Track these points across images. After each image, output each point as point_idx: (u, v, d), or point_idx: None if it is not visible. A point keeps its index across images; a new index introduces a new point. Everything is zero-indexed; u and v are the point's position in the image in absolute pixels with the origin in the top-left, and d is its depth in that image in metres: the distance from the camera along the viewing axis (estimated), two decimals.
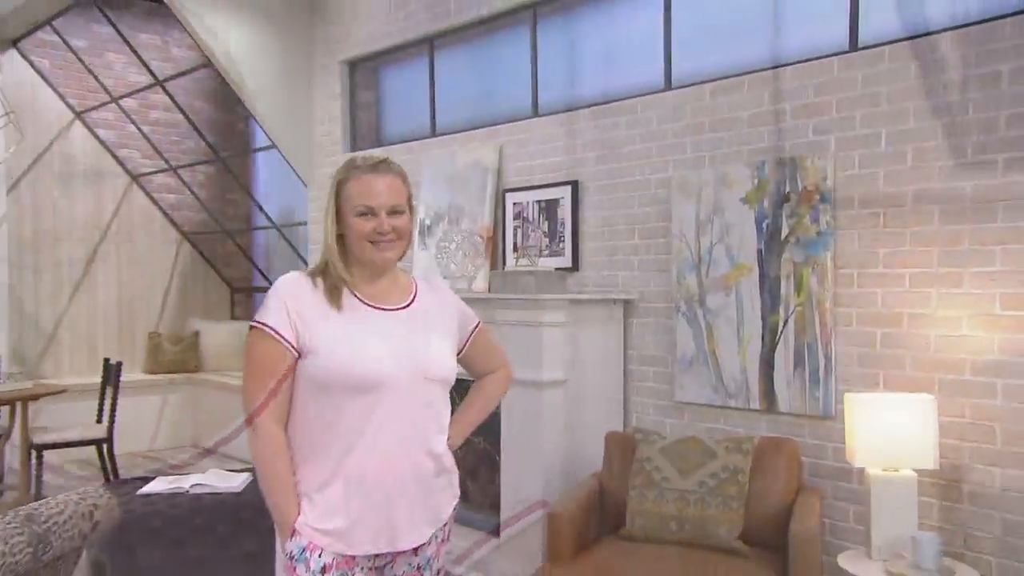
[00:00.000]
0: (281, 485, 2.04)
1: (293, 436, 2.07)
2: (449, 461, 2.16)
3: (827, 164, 3.67)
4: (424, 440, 2.09)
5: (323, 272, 2.09)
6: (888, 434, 3.16)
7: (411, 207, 2.14)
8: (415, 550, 2.12)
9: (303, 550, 1.99)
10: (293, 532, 2.01)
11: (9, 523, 2.35)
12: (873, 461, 3.20)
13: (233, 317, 9.15)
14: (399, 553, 2.10)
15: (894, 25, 3.60)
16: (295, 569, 2.01)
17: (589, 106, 4.77)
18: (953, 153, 3.34)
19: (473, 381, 2.42)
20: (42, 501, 2.53)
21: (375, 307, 2.10)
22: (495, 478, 4.50)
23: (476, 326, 2.31)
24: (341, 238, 2.09)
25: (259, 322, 2.04)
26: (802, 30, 3.97)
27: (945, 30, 3.39)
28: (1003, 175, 3.21)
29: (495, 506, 4.43)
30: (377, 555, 2.08)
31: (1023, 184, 3.17)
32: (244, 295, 9.16)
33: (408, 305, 2.15)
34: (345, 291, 2.09)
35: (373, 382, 2.00)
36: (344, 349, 2.01)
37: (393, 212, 2.06)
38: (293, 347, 2.02)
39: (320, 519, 2.01)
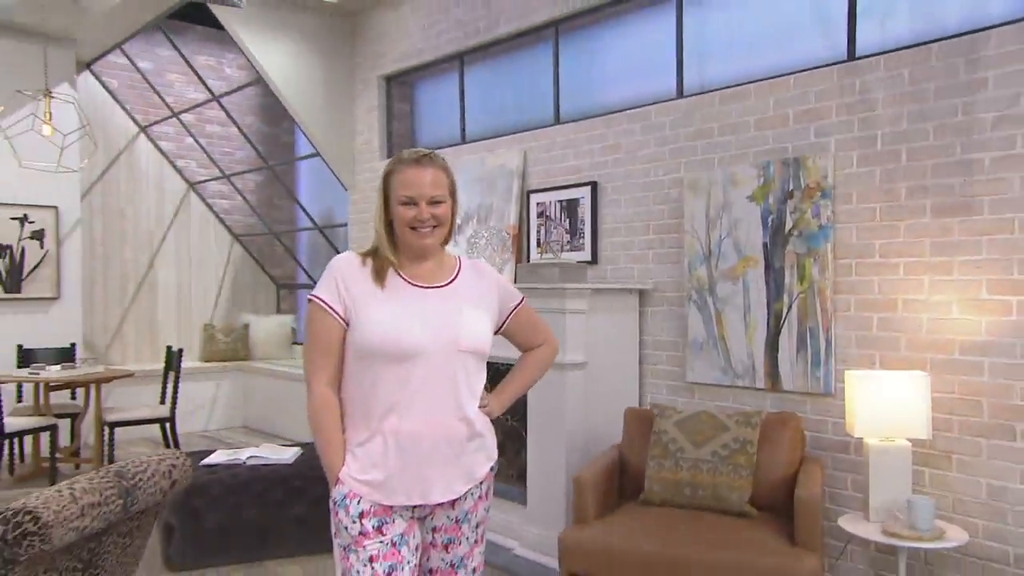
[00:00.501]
0: (327, 437, 2.09)
1: (343, 398, 2.11)
2: (482, 425, 2.15)
3: (827, 163, 3.67)
4: (457, 406, 2.09)
5: (373, 254, 2.12)
6: (885, 407, 3.17)
7: (453, 197, 2.14)
8: (452, 504, 2.13)
9: (344, 497, 2.02)
10: (337, 481, 2.05)
11: (103, 478, 2.41)
12: (871, 432, 3.20)
13: (279, 311, 9.20)
14: (437, 506, 2.11)
15: (889, 36, 3.61)
16: (337, 514, 2.05)
17: (606, 114, 4.77)
18: (943, 152, 3.35)
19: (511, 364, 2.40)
20: (129, 460, 2.59)
21: (417, 285, 2.11)
22: (522, 452, 4.53)
23: (519, 303, 2.29)
24: (390, 224, 2.12)
25: (315, 296, 2.08)
26: (804, 42, 3.96)
27: (933, 41, 3.40)
28: (989, 172, 3.21)
29: (522, 478, 4.45)
30: (416, 506, 2.09)
31: (1007, 181, 3.17)
32: (288, 291, 9.22)
33: (449, 283, 2.15)
34: (391, 271, 2.11)
35: (409, 353, 2.02)
36: (384, 323, 2.02)
37: (433, 202, 2.07)
38: (342, 318, 2.06)
39: (360, 471, 2.04)
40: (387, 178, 2.11)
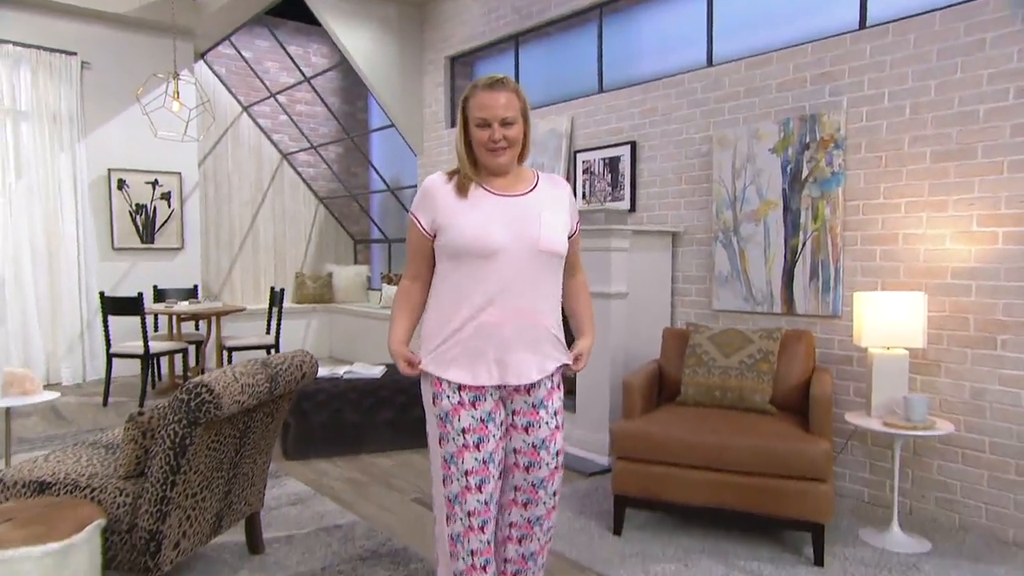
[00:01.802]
0: (394, 316, 2.16)
1: (437, 296, 2.09)
2: (555, 326, 2.10)
3: (840, 119, 3.65)
4: (534, 302, 2.03)
5: (457, 171, 2.09)
6: (887, 321, 3.17)
7: (525, 118, 2.05)
8: (528, 391, 2.09)
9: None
10: (403, 357, 2.09)
11: (254, 366, 2.58)
12: (875, 342, 3.21)
13: (356, 262, 9.29)
14: (515, 391, 2.09)
15: (897, 6, 3.57)
16: (439, 384, 2.05)
17: (644, 82, 4.75)
18: (943, 105, 3.33)
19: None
20: (272, 355, 2.76)
21: (497, 194, 2.05)
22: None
23: (578, 223, 2.24)
24: (470, 145, 2.05)
25: (411, 211, 2.11)
26: (820, 14, 3.92)
27: (936, 10, 3.36)
28: (983, 122, 3.20)
29: (572, 392, 4.50)
30: (499, 387, 2.06)
31: (999, 128, 3.15)
32: (364, 245, 9.33)
33: (528, 192, 2.08)
34: (473, 185, 2.05)
35: (492, 250, 1.98)
36: (470, 227, 1.99)
37: (505, 123, 1.99)
38: (427, 230, 2.06)
39: (451, 355, 2.03)
40: (465, 103, 2.04)
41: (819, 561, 2.91)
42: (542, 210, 2.05)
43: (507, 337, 2.01)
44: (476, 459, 2.03)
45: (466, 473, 2.03)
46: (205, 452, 2.44)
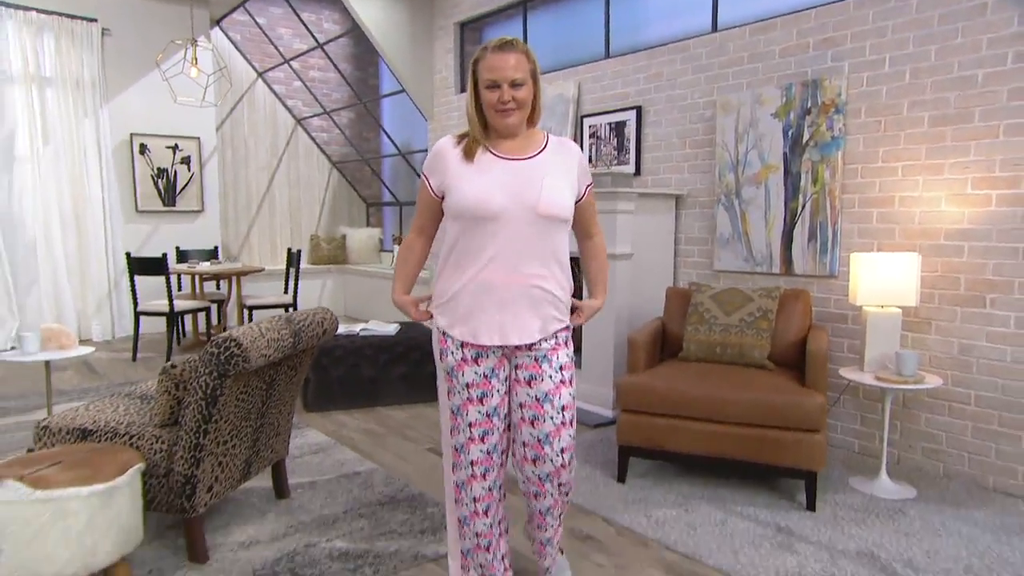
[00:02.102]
0: (396, 272, 2.21)
1: (445, 256, 2.06)
2: (557, 288, 2.05)
3: (841, 84, 3.62)
4: (536, 264, 2.00)
5: (467, 135, 2.05)
6: (882, 281, 3.19)
7: (535, 80, 1.99)
8: (530, 347, 2.05)
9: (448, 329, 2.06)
10: (431, 317, 2.11)
11: (279, 322, 2.63)
12: (869, 301, 3.23)
13: (368, 224, 9.30)
14: (518, 348, 2.06)
15: None
16: (444, 341, 2.06)
17: (650, 48, 4.70)
18: (942, 70, 3.30)
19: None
20: (295, 312, 2.81)
21: (503, 158, 2.01)
22: (579, 326, 4.65)
23: (590, 184, 2.16)
24: (480, 108, 2.00)
25: (421, 171, 2.10)
26: None
27: None
28: (982, 86, 3.17)
29: (578, 349, 4.53)
30: (502, 346, 2.04)
31: (997, 93, 3.13)
32: (376, 208, 9.32)
33: (534, 156, 2.02)
34: (481, 148, 2.01)
35: (492, 213, 1.95)
36: (470, 189, 1.96)
37: (514, 84, 1.94)
38: (435, 191, 2.06)
39: (455, 313, 2.04)
40: (475, 65, 1.99)
41: (811, 506, 2.98)
42: (545, 174, 2.00)
43: (507, 298, 2.00)
44: (480, 412, 2.05)
45: (470, 425, 2.05)
46: (234, 403, 2.50)
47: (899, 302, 3.20)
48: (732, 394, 3.05)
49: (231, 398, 2.46)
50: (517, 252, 1.98)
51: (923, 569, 2.49)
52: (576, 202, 2.10)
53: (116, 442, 2.49)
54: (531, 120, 2.05)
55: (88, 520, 2.07)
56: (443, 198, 2.05)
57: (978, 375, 3.26)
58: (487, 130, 2.03)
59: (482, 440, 2.07)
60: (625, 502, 3.06)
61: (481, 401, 2.05)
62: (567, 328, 2.11)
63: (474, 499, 2.10)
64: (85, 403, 2.81)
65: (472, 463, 2.08)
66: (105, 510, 2.11)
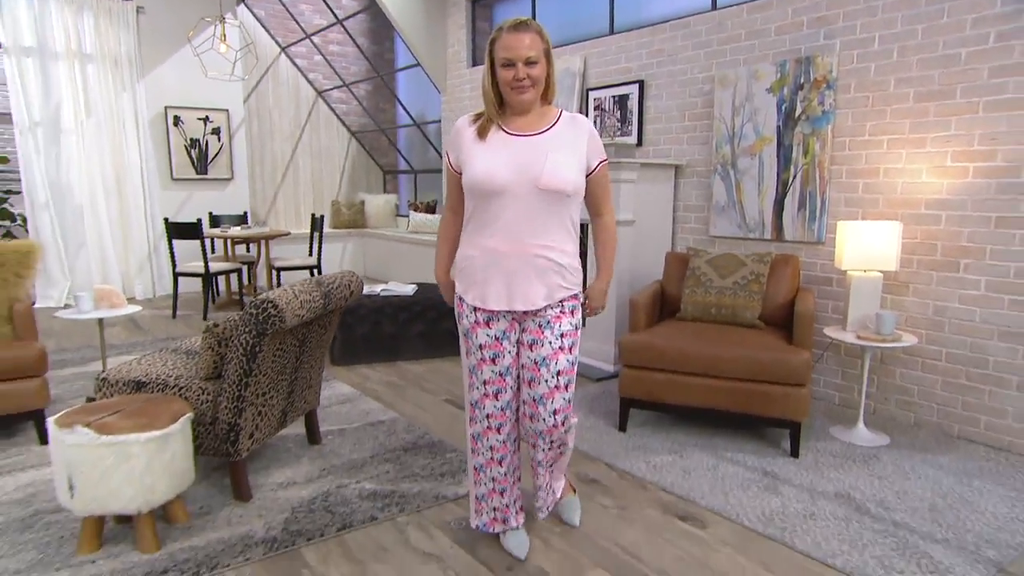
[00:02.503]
0: (437, 251, 2.25)
1: (464, 227, 2.12)
2: (563, 258, 2.02)
3: (833, 61, 3.59)
4: (541, 235, 1.99)
5: (482, 114, 2.06)
6: (866, 247, 3.22)
7: (548, 59, 1.96)
8: (536, 313, 2.05)
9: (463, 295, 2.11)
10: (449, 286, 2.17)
11: (310, 284, 2.70)
12: (854, 265, 3.26)
13: (385, 191, 9.28)
14: (525, 313, 2.06)
15: None
16: (461, 305, 2.11)
17: (653, 24, 4.65)
18: (928, 49, 3.28)
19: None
20: (325, 275, 2.88)
21: (513, 135, 2.00)
22: (584, 288, 4.71)
23: (602, 161, 2.09)
24: (496, 86, 1.99)
25: (443, 150, 2.18)
26: None
27: None
28: (964, 64, 3.16)
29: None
30: (510, 312, 2.06)
31: (978, 71, 3.11)
32: (392, 176, 9.30)
33: (543, 132, 2.00)
34: (494, 127, 2.01)
35: (497, 189, 1.96)
36: (480, 165, 1.97)
37: (529, 62, 1.92)
38: (453, 166, 2.09)
39: (470, 279, 2.07)
40: (491, 45, 1.97)
41: (795, 453, 3.06)
42: (551, 149, 1.97)
43: (514, 268, 2.00)
44: (493, 371, 2.09)
45: (484, 382, 2.10)
46: (271, 358, 2.59)
47: (881, 267, 3.23)
48: (725, 351, 3.10)
49: (268, 354, 2.55)
50: (523, 224, 1.97)
51: (893, 508, 2.59)
52: (587, 175, 2.07)
53: (167, 393, 2.60)
54: (545, 97, 2.03)
55: (147, 462, 2.18)
56: (460, 174, 2.08)
57: (949, 334, 3.32)
58: (502, 107, 2.02)
59: (496, 397, 2.12)
60: (626, 449, 3.15)
61: (494, 361, 2.08)
62: (575, 297, 2.10)
63: (490, 448, 2.18)
64: (137, 357, 2.91)
65: (487, 416, 2.15)
66: (161, 454, 2.22)
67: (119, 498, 2.15)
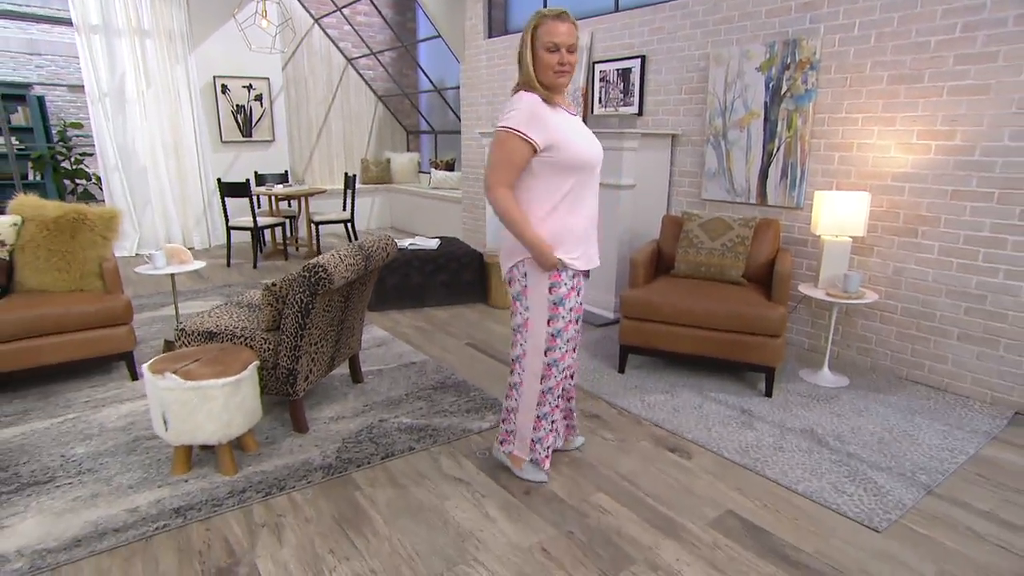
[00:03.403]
0: (529, 225, 1.96)
1: (552, 203, 1.96)
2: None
3: (817, 43, 3.54)
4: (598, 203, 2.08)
5: (529, 90, 1.93)
6: (838, 214, 3.24)
7: (578, 48, 1.96)
8: (587, 272, 2.17)
9: (566, 267, 2.05)
10: (552, 258, 1.99)
11: (353, 248, 2.78)
12: (827, 231, 3.28)
13: (408, 150, 9.21)
14: (584, 273, 2.16)
15: None
16: (560, 275, 2.03)
17: (654, 4, 4.54)
18: (902, 36, 3.23)
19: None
20: (364, 239, 2.96)
21: (573, 115, 1.99)
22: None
23: None
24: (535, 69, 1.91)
25: (511, 128, 1.87)
26: None
27: None
28: (933, 51, 3.11)
29: None
30: (585, 272, 2.16)
31: (944, 58, 3.07)
32: (414, 136, 9.22)
33: (578, 113, 2.06)
34: (552, 105, 1.95)
35: (596, 163, 1.98)
36: (581, 144, 1.92)
37: (570, 49, 1.90)
38: (539, 145, 1.90)
39: (570, 251, 2.03)
40: (534, 31, 1.90)
41: (769, 393, 3.17)
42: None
43: (592, 234, 2.07)
44: (575, 329, 2.11)
45: (568, 340, 2.11)
46: (322, 313, 2.70)
47: (851, 232, 3.26)
48: (712, 306, 3.16)
49: (319, 310, 2.66)
50: (596, 194, 2.04)
51: (848, 441, 2.73)
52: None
53: (235, 342, 2.73)
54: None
55: (224, 403, 2.33)
56: (542, 151, 1.92)
57: (905, 291, 3.37)
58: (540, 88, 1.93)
59: (574, 351, 2.17)
60: (624, 388, 3.26)
61: (576, 321, 2.12)
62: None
63: (558, 397, 2.21)
64: (208, 310, 3.04)
65: (564, 369, 2.15)
66: (235, 395, 2.37)
67: (203, 431, 2.31)
